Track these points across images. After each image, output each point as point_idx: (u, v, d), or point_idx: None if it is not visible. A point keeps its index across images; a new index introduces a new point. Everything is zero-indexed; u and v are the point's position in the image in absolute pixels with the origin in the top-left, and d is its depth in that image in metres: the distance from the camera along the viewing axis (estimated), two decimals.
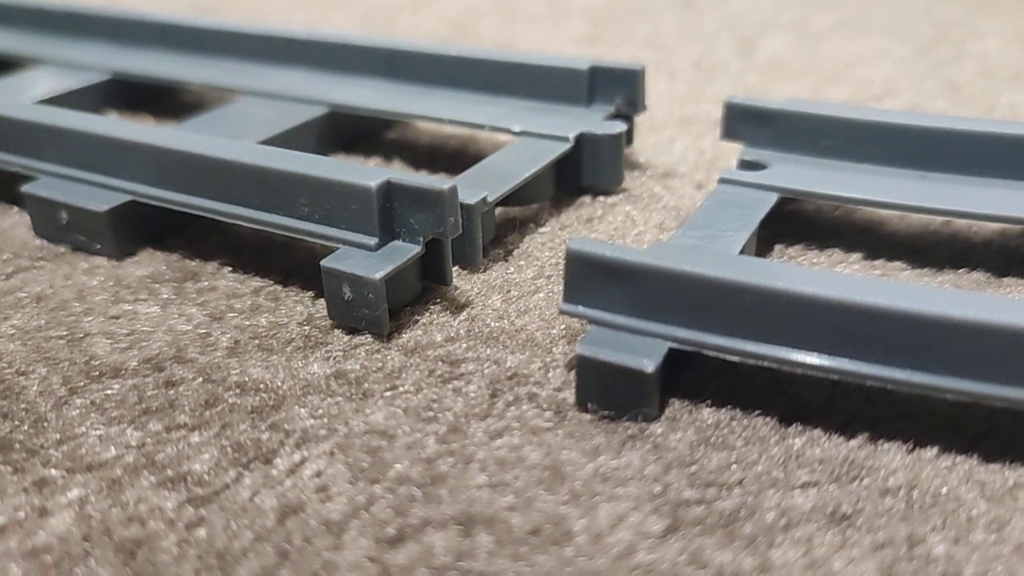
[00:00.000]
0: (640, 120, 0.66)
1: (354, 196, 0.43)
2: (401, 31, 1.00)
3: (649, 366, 0.36)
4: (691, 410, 0.38)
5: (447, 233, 0.43)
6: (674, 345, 0.37)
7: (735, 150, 0.57)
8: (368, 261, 0.43)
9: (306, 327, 0.44)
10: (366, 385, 0.40)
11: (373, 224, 0.43)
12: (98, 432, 0.37)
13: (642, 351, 0.37)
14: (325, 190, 0.44)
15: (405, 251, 0.43)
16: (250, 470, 0.35)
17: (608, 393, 0.37)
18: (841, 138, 0.52)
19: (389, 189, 0.43)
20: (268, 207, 0.46)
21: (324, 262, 0.43)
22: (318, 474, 0.35)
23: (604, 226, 0.53)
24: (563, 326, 0.44)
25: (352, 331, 0.43)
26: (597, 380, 0.37)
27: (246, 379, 0.40)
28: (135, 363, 0.42)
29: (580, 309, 0.39)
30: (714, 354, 0.37)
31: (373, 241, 0.43)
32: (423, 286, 0.46)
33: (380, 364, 0.41)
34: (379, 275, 0.42)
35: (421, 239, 0.44)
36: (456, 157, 0.64)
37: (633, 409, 0.37)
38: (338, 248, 0.44)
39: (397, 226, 0.44)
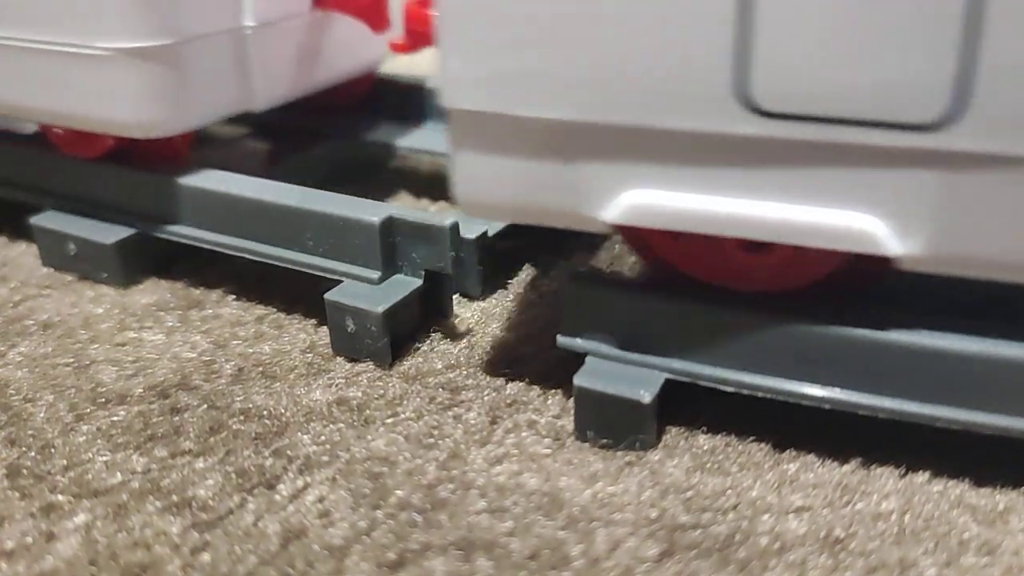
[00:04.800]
0: None
1: (357, 231, 0.45)
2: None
3: (646, 397, 0.37)
4: (687, 436, 0.39)
5: (448, 267, 0.44)
6: (671, 376, 0.38)
7: None
8: (371, 294, 0.44)
9: (309, 355, 0.45)
10: (368, 412, 0.40)
11: (376, 258, 0.44)
12: (104, 458, 0.38)
13: (639, 382, 0.38)
14: (329, 225, 0.45)
15: (407, 284, 0.44)
16: (254, 495, 0.36)
17: (606, 422, 0.38)
18: None
19: (391, 224, 0.45)
20: (274, 241, 0.48)
21: (328, 295, 0.44)
22: (321, 500, 0.35)
23: (603, 254, 0.54)
24: (561, 354, 0.44)
25: (354, 359, 0.44)
26: (595, 410, 0.38)
27: (250, 406, 0.41)
28: (140, 390, 0.42)
29: (578, 342, 0.40)
30: (709, 385, 0.38)
31: (376, 275, 0.44)
32: (424, 315, 0.47)
33: (381, 391, 0.42)
34: (381, 308, 0.42)
35: (423, 272, 0.45)
36: None
37: (630, 437, 0.38)
38: (342, 281, 0.45)
39: (399, 260, 0.45)
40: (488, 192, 0.37)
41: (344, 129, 0.66)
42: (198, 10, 0.48)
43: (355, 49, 0.62)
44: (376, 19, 0.58)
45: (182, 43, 0.47)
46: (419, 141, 0.64)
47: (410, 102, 0.66)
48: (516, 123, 0.35)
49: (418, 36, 0.51)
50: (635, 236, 0.39)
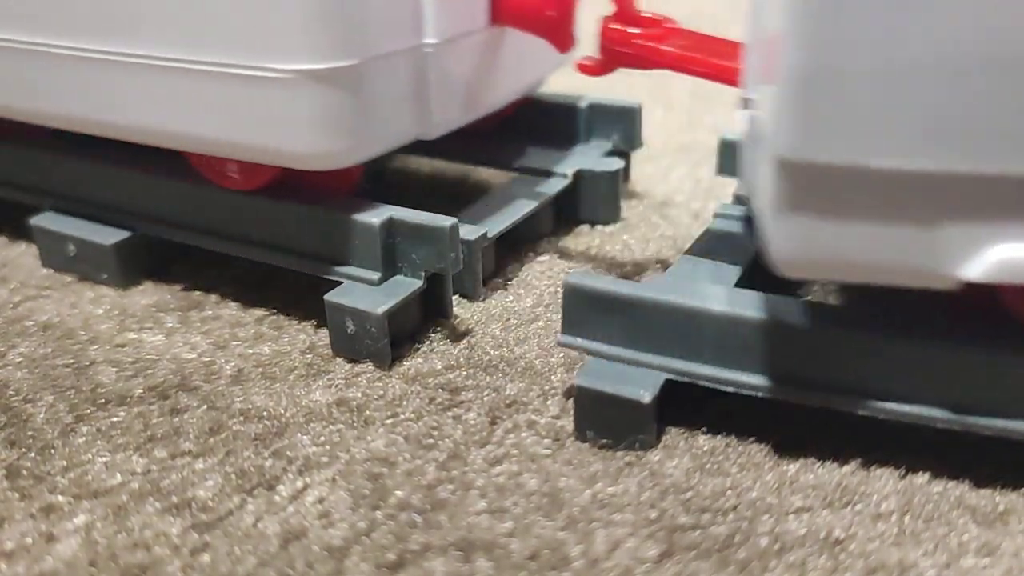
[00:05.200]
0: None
1: (358, 232, 0.44)
2: None
3: (646, 397, 0.37)
4: (687, 437, 0.39)
5: (448, 268, 0.44)
6: (670, 376, 0.38)
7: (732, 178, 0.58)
8: (371, 295, 0.44)
9: (308, 355, 0.45)
10: (367, 413, 0.40)
11: (376, 259, 0.44)
12: (104, 459, 0.38)
13: (639, 382, 0.38)
14: (330, 226, 0.45)
15: (407, 286, 0.44)
16: (254, 496, 0.36)
17: (606, 422, 0.38)
18: None
19: (392, 225, 0.45)
20: (275, 242, 0.48)
21: (328, 296, 0.44)
22: (320, 500, 0.35)
23: (602, 256, 0.54)
24: (561, 354, 0.44)
25: (354, 359, 0.44)
26: (595, 410, 0.38)
27: (250, 407, 0.41)
28: (140, 391, 0.42)
29: (579, 341, 0.40)
30: (709, 385, 0.38)
31: (376, 276, 0.44)
32: (424, 315, 0.47)
33: (381, 392, 0.42)
34: (381, 310, 0.42)
35: (423, 273, 0.45)
36: (456, 188, 0.65)
37: (630, 437, 0.38)
38: (342, 282, 0.45)
39: (399, 261, 0.45)
40: (818, 252, 0.32)
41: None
42: (380, 27, 0.43)
43: (526, 69, 0.56)
44: (561, 37, 0.51)
45: (363, 64, 0.42)
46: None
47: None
48: (867, 176, 0.30)
49: (614, 57, 0.47)
50: (984, 293, 0.34)
